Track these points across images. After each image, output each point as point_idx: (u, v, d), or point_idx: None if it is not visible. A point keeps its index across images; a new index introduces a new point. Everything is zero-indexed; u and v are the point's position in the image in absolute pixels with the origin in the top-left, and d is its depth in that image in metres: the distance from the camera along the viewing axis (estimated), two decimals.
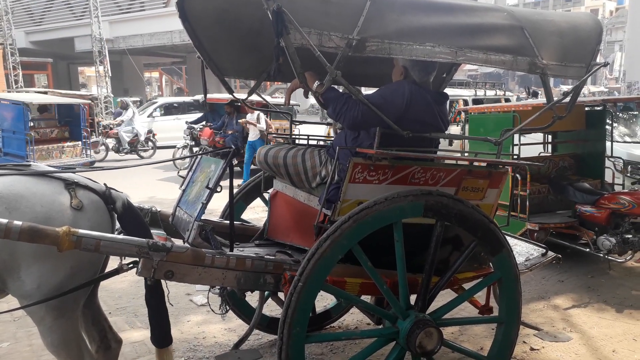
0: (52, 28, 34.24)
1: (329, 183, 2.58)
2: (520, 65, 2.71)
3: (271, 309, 3.97)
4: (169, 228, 3.12)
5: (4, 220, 1.98)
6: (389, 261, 2.51)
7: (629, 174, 5.15)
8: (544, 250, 3.42)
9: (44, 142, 11.22)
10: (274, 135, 3.54)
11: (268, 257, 2.66)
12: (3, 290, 2.24)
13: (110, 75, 26.54)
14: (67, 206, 2.27)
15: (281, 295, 3.12)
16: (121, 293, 4.76)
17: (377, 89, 2.83)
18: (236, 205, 3.63)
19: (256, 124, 10.11)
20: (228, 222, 3.23)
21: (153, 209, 3.18)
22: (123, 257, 2.49)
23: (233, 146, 9.28)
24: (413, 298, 2.61)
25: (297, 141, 3.61)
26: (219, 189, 2.64)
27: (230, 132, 11.29)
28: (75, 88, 42.02)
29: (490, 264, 2.79)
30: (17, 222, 2.00)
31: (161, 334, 2.70)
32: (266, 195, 3.68)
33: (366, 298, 3.28)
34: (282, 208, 3.33)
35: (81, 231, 2.13)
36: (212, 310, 3.22)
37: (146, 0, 33.29)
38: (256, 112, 9.99)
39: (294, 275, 2.48)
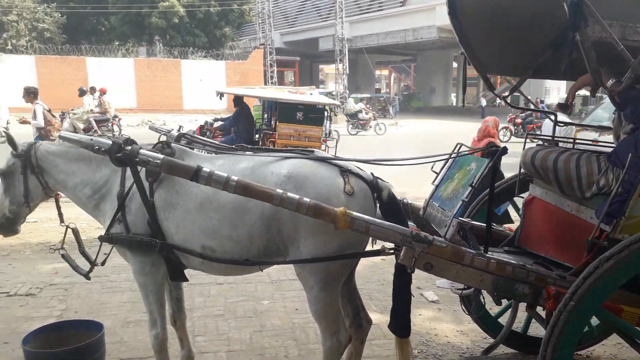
0: (302, 30, 38.50)
1: (613, 195, 2.28)
2: None
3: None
4: (418, 221, 3.19)
5: (297, 196, 2.27)
6: None
7: None
8: None
9: None
10: (534, 136, 3.28)
11: (530, 266, 2.49)
12: (284, 255, 2.58)
13: (348, 72, 28.57)
14: (341, 190, 2.49)
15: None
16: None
17: None
18: (483, 208, 3.51)
19: (30, 120, 8.07)
20: (477, 223, 3.16)
21: (404, 200, 3.28)
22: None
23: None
24: None
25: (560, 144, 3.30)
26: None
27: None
28: (315, 84, 46.49)
29: None
30: (306, 199, 2.27)
31: (404, 323, 2.74)
32: (517, 200, 3.47)
33: None
34: (539, 216, 3.09)
35: (355, 213, 2.30)
36: (464, 310, 3.27)
37: (384, 0, 34.73)
38: (34, 105, 7.97)
39: (559, 291, 2.28)
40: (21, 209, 2.85)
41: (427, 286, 4.76)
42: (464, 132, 23.10)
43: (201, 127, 11.43)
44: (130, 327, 3.87)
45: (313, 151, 2.71)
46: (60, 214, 2.99)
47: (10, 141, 2.76)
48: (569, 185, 2.64)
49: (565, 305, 2.12)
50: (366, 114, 22.09)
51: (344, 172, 2.56)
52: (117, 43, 31.95)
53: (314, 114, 9.41)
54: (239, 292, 4.58)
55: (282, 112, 9.52)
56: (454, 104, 46.28)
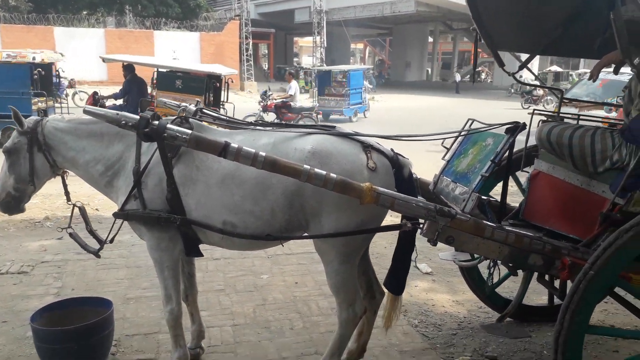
0: (277, 1, 37.61)
1: (631, 170, 2.35)
2: None
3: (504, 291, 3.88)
4: (427, 195, 3.21)
5: (324, 172, 2.25)
6: None
7: None
8: None
9: None
10: (538, 111, 3.33)
11: (546, 238, 2.56)
12: (304, 230, 2.58)
13: (326, 46, 28.20)
14: (364, 166, 2.48)
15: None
16: None
17: None
18: (487, 181, 3.57)
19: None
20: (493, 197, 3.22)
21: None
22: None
23: None
24: None
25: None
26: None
27: None
28: (290, 57, 45.85)
29: None
30: (333, 175, 2.25)
31: (401, 283, 2.85)
32: (519, 175, 3.55)
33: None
34: (545, 190, 3.16)
35: (380, 189, 2.30)
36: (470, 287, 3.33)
37: None
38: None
39: (575, 262, 2.36)
40: (27, 187, 2.75)
41: (419, 258, 4.84)
42: (450, 106, 23.51)
43: (94, 95, 10.71)
44: (131, 303, 3.83)
45: (334, 126, 2.69)
46: (66, 192, 2.90)
47: (16, 117, 2.64)
48: (582, 161, 2.70)
49: (585, 274, 2.19)
50: (539, 90, 23.00)
51: (367, 147, 2.55)
52: (85, 12, 30.66)
53: (195, 83, 9.20)
54: (236, 266, 4.57)
55: (161, 80, 9.35)
56: (428, 78, 46.54)
